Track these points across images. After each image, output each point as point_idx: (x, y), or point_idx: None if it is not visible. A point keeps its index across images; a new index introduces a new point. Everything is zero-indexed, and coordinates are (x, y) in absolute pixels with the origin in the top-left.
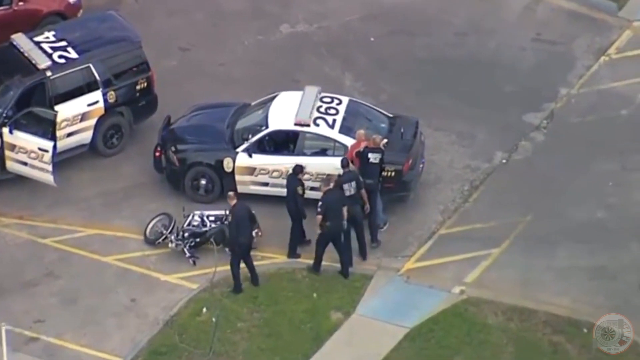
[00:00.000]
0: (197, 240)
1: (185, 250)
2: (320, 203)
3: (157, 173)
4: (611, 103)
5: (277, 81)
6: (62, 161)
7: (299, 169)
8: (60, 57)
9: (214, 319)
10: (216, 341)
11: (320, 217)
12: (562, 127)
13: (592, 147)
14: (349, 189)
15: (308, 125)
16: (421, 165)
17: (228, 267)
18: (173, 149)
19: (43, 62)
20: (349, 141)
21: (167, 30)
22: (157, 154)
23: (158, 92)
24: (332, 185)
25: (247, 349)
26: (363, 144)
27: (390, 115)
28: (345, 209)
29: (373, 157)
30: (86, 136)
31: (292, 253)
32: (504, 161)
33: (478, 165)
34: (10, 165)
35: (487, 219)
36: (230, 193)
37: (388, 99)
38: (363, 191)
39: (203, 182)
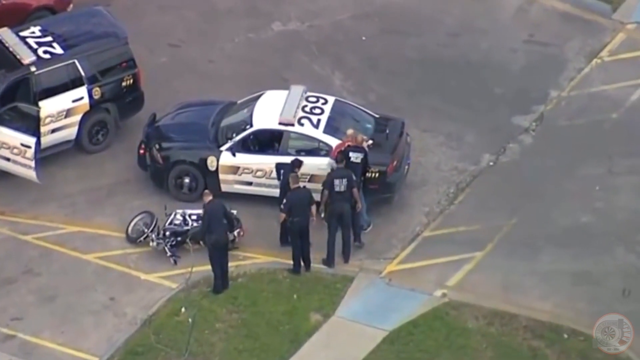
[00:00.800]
0: (179, 239)
1: (166, 249)
2: (284, 201)
3: (142, 170)
4: (601, 106)
5: (266, 79)
6: (46, 157)
7: (297, 163)
8: (45, 52)
9: (190, 320)
10: (193, 342)
11: (283, 214)
12: (551, 130)
13: (581, 150)
14: (340, 185)
15: (292, 125)
16: (406, 167)
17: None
18: (157, 146)
19: (28, 57)
20: (333, 141)
21: (158, 27)
22: (141, 151)
23: (146, 89)
24: (296, 184)
25: (224, 350)
26: (360, 140)
27: (377, 116)
28: (313, 208)
29: (354, 157)
30: (71, 132)
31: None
32: (491, 163)
33: (465, 167)
34: None
35: (471, 221)
36: (206, 190)
37: (377, 99)
38: (355, 190)
39: (187, 180)
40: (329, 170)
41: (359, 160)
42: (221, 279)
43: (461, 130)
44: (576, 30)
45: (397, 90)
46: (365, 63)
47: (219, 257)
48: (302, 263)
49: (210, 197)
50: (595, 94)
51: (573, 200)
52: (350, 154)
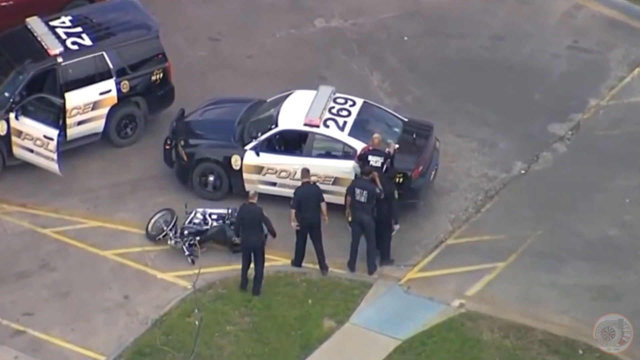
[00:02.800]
0: (197, 238)
1: (184, 248)
2: (293, 196)
3: (168, 167)
4: (639, 117)
5: (303, 77)
6: (72, 149)
7: (305, 172)
8: (73, 43)
9: (196, 322)
10: (202, 344)
11: (293, 210)
12: (586, 139)
13: (614, 162)
14: (360, 195)
15: (317, 126)
16: (433, 172)
17: (220, 269)
18: (182, 143)
19: (55, 48)
20: (358, 144)
21: (200, 20)
22: (167, 147)
23: (181, 83)
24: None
25: (232, 354)
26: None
27: (405, 119)
28: (323, 205)
29: (374, 160)
30: (98, 125)
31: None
32: (522, 172)
33: (495, 174)
34: (17, 151)
35: (496, 231)
36: (252, 192)
37: (413, 102)
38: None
39: (211, 178)
40: (353, 175)
41: (378, 164)
42: (244, 278)
43: (495, 136)
44: (621, 38)
45: (434, 93)
46: (404, 64)
47: (246, 259)
48: (302, 260)
49: (252, 200)
50: (635, 105)
51: (602, 213)
52: (370, 157)
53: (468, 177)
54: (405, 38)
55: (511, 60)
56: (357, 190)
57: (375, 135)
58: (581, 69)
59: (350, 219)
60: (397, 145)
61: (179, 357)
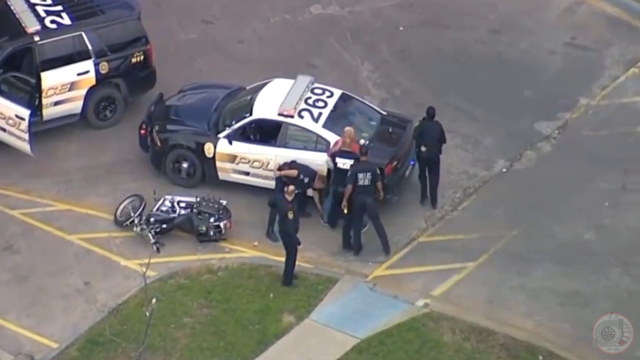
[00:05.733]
0: (164, 226)
1: (150, 235)
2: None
3: (143, 152)
4: (628, 118)
5: (293, 65)
6: (49, 130)
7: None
8: (52, 22)
9: (147, 313)
10: (157, 335)
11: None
12: (572, 139)
13: (598, 163)
14: (364, 178)
15: (292, 117)
16: (409, 168)
17: (185, 258)
18: (157, 128)
19: (32, 26)
20: (332, 137)
21: (195, 1)
22: (142, 131)
23: (168, 65)
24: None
25: (186, 347)
26: (348, 142)
27: (384, 113)
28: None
29: (342, 163)
30: (75, 106)
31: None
32: (504, 170)
33: (476, 172)
34: None
35: (470, 230)
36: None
37: (402, 94)
38: (379, 183)
39: (185, 165)
40: (326, 167)
41: (347, 167)
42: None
43: (481, 132)
44: (620, 36)
45: (424, 86)
46: (397, 55)
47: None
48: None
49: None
50: (625, 105)
51: (579, 215)
52: (337, 159)
53: (448, 173)
54: (401, 28)
55: (505, 55)
56: (360, 175)
57: (347, 128)
58: (575, 66)
59: (346, 210)
60: (363, 141)
61: (131, 348)
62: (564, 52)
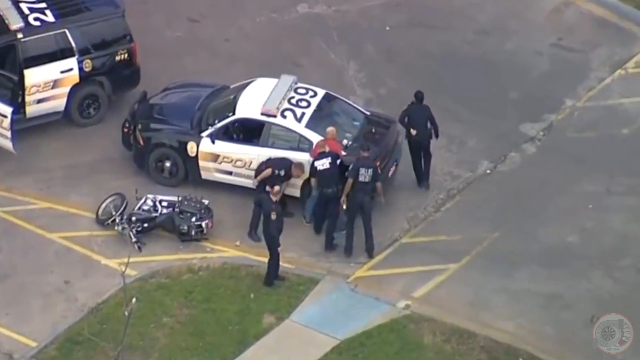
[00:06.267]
0: (145, 225)
1: (131, 234)
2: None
3: (126, 150)
4: (614, 120)
5: (279, 64)
6: (33, 128)
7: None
8: (35, 19)
9: (126, 313)
10: (136, 335)
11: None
12: (557, 141)
13: (582, 165)
14: (365, 174)
15: (274, 116)
16: (392, 169)
17: (167, 257)
18: (140, 126)
19: (15, 23)
20: (315, 137)
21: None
22: (125, 129)
23: (154, 63)
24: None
25: (165, 346)
26: (330, 143)
27: (367, 113)
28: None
29: (320, 164)
30: (58, 104)
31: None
32: (487, 172)
33: (460, 173)
34: None
35: (453, 231)
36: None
37: (387, 94)
38: (379, 183)
39: (167, 164)
40: (308, 167)
41: (326, 166)
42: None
43: (465, 133)
44: (607, 38)
45: (409, 86)
46: (383, 55)
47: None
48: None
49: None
50: (611, 107)
51: (563, 218)
52: (315, 163)
53: (432, 174)
54: (388, 28)
55: (492, 56)
56: (362, 170)
57: (330, 128)
58: (562, 68)
59: (345, 205)
60: (345, 141)
61: (110, 347)
62: (551, 53)
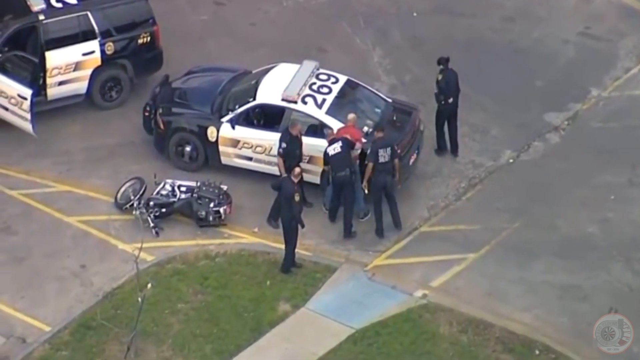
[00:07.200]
0: (163, 210)
1: (149, 219)
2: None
3: (147, 134)
4: (639, 111)
5: (303, 49)
6: (54, 110)
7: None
8: (57, 1)
9: (139, 299)
10: (150, 321)
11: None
12: (581, 130)
13: (605, 155)
14: (384, 154)
15: (295, 102)
16: (414, 157)
17: (184, 243)
18: (160, 110)
19: (37, 5)
20: (335, 123)
21: None
22: (146, 113)
23: (178, 47)
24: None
25: (179, 333)
26: (351, 131)
27: (389, 100)
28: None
29: (332, 149)
30: (80, 86)
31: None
32: (510, 161)
33: (482, 162)
34: None
35: (473, 220)
36: (297, 169)
37: (411, 81)
38: (397, 161)
39: (187, 149)
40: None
41: (337, 151)
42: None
43: (489, 122)
44: (635, 27)
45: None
46: (409, 41)
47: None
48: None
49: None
50: (636, 98)
51: (584, 209)
52: (327, 149)
53: (454, 162)
54: (415, 14)
55: (518, 44)
56: (381, 152)
57: (351, 115)
58: (588, 57)
59: (367, 190)
60: (365, 128)
61: (123, 333)
62: (578, 41)
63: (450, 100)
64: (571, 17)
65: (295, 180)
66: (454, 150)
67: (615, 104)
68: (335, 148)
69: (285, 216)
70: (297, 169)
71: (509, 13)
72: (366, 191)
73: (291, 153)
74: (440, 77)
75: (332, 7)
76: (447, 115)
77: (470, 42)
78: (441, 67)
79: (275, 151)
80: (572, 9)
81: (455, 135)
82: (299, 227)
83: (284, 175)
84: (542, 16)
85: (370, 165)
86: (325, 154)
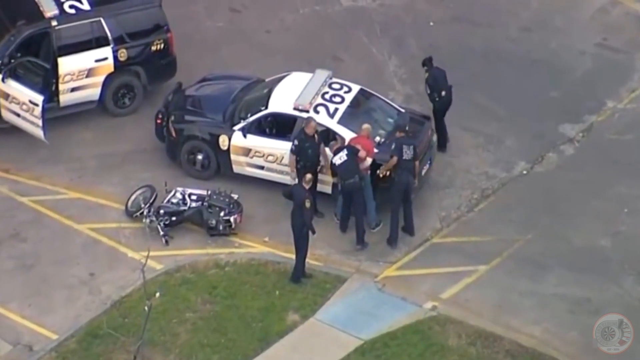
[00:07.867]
0: (173, 219)
1: (159, 227)
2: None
3: (159, 141)
4: None
5: (318, 57)
6: (66, 116)
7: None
8: (71, 7)
9: (146, 308)
10: (157, 330)
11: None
12: (595, 142)
13: (619, 168)
14: (407, 151)
15: (307, 111)
16: (426, 167)
17: (194, 252)
18: (173, 118)
19: (50, 11)
20: (347, 133)
21: None
22: (159, 121)
23: (193, 53)
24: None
25: (186, 342)
26: (364, 141)
27: (402, 110)
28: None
29: (338, 158)
30: (93, 93)
31: None
32: (524, 172)
33: (496, 173)
34: (4, 114)
35: (485, 232)
36: (309, 175)
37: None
38: (417, 162)
39: (199, 157)
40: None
41: (342, 160)
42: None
43: (503, 132)
44: None
45: (449, 83)
46: (425, 50)
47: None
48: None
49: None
50: None
51: (597, 221)
52: (334, 159)
53: (467, 173)
54: (431, 23)
55: (534, 54)
56: (405, 147)
57: (365, 125)
58: (605, 68)
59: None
60: (378, 138)
61: (130, 342)
62: (595, 52)
63: (443, 93)
64: (588, 28)
65: (307, 187)
66: (442, 145)
67: (630, 116)
68: (341, 157)
69: (297, 223)
70: (309, 175)
71: (526, 23)
72: (381, 175)
73: (303, 152)
74: (427, 75)
75: (348, 16)
76: (444, 111)
77: (487, 52)
78: (425, 67)
79: (287, 160)
80: (589, 20)
81: (445, 130)
82: (310, 233)
83: (293, 174)
84: (560, 27)
85: (395, 159)
86: (332, 164)
